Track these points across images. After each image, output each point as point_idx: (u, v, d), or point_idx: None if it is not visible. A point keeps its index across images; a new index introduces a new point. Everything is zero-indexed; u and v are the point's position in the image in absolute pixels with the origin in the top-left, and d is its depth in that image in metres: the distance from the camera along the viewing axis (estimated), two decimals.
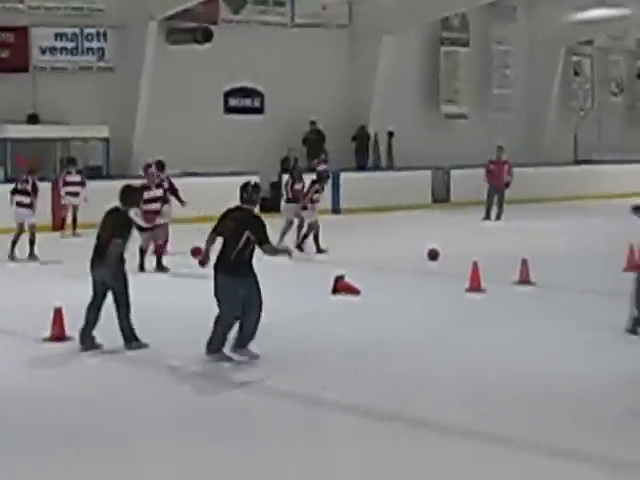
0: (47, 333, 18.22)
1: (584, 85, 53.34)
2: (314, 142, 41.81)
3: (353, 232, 33.95)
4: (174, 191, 28.98)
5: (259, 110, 41.42)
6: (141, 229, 23.67)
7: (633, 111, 55.89)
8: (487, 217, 37.90)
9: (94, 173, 34.05)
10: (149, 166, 28.82)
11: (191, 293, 21.65)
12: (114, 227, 17.17)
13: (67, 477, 11.72)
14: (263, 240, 15.73)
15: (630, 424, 13.76)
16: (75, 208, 31.50)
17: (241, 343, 16.15)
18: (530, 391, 15.00)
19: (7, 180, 34.30)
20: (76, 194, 31.34)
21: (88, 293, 17.67)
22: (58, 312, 18.23)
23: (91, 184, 31.33)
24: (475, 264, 23.69)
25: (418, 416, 14.01)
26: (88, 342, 17.24)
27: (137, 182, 27.62)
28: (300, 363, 17.02)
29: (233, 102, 40.99)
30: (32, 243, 27.99)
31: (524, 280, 24.28)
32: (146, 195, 24.54)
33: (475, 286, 23.42)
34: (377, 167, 43.55)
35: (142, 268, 25.54)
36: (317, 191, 29.26)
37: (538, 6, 47.64)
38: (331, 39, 42.96)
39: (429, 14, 43.97)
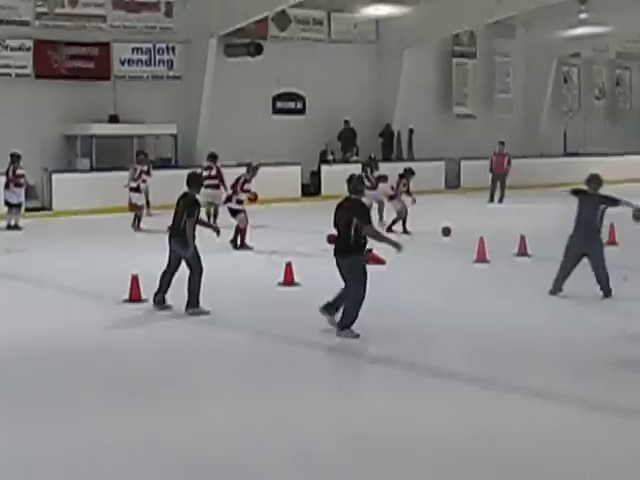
0: (126, 296, 18.34)
1: (572, 91, 53.19)
2: (347, 138, 41.86)
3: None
4: (221, 179, 29.67)
5: (301, 111, 41.38)
6: (236, 212, 25.55)
7: (612, 112, 55.72)
8: (491, 200, 38.00)
9: (165, 163, 34.05)
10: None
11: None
12: (184, 208, 17.23)
13: (140, 410, 11.83)
14: (364, 222, 15.34)
15: (613, 371, 13.78)
16: (147, 193, 31.47)
17: (345, 324, 15.48)
18: (524, 342, 15.07)
19: (92, 169, 34.55)
20: (144, 182, 31.32)
21: (159, 263, 17.71)
22: (135, 278, 18.34)
23: (163, 172, 31.32)
24: (481, 239, 23.80)
25: (430, 364, 14.10)
26: (160, 303, 17.33)
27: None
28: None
29: (280, 105, 40.98)
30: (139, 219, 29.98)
31: (522, 253, 24.36)
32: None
33: (481, 258, 23.56)
34: (400, 158, 43.45)
35: (236, 246, 25.35)
36: (404, 184, 29.38)
37: (534, 25, 47.35)
38: (361, 52, 42.92)
39: (443, 31, 43.86)
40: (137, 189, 30.19)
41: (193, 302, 17.01)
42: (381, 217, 29.74)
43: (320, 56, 41.10)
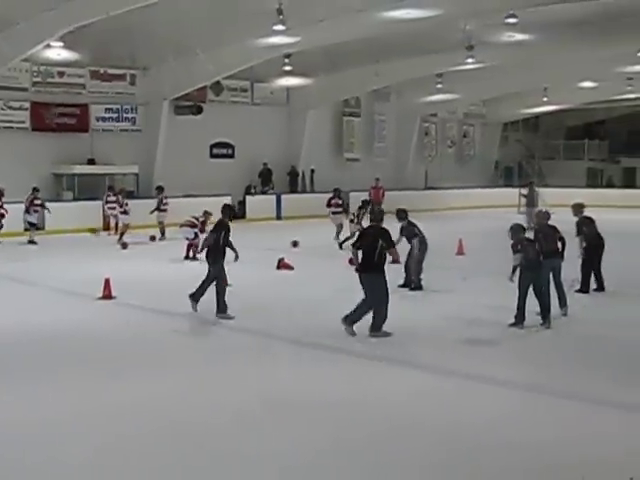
0: (100, 294, 18.25)
1: (431, 141, 53.45)
2: (265, 176, 41.91)
3: (289, 231, 33.96)
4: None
5: (231, 156, 41.28)
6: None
7: (461, 157, 56.14)
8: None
9: (130, 194, 33.77)
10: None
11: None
12: (214, 229, 16.76)
13: (109, 380, 11.80)
14: (390, 245, 14.99)
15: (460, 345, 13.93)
16: (114, 217, 31.47)
17: (377, 326, 14.77)
18: (398, 324, 15.14)
19: (74, 199, 34.44)
20: (113, 208, 31.34)
21: (127, 268, 17.61)
22: (107, 281, 18.29)
23: (129, 201, 31.09)
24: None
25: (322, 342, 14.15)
26: (193, 303, 16.51)
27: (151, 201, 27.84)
28: (259, 310, 17.13)
29: (215, 151, 40.85)
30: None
31: (394, 260, 24.50)
32: None
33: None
34: (304, 191, 43.55)
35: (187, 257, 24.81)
36: (363, 212, 27.91)
37: (403, 92, 47.71)
38: (276, 112, 42.92)
39: (336, 97, 44.24)
40: (124, 212, 30.25)
41: (222, 308, 16.21)
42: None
43: (245, 115, 41.11)
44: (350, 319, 14.73)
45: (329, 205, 30.14)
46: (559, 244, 16.64)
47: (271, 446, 9.29)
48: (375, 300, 14.71)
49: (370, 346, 14.11)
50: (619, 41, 33.57)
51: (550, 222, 16.91)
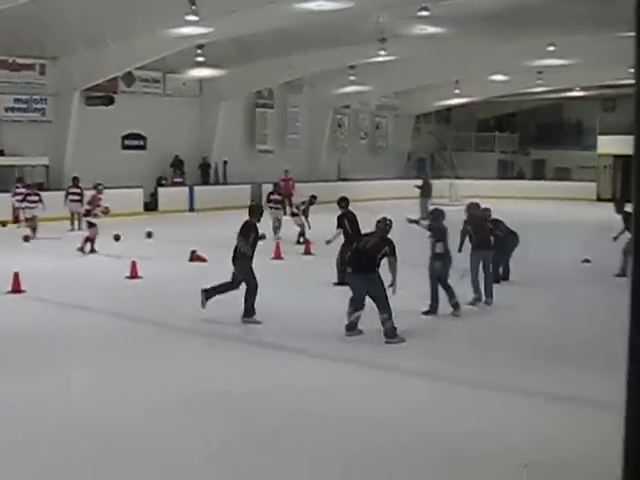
0: (9, 288, 17.98)
1: (344, 133, 53.71)
2: (177, 167, 41.66)
3: (202, 223, 33.88)
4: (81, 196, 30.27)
5: (143, 147, 40.92)
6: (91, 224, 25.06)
7: (373, 149, 56.54)
8: (284, 213, 37.96)
9: (39, 187, 33.26)
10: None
11: None
12: (241, 232, 16.11)
13: (18, 375, 11.61)
14: (394, 255, 14.15)
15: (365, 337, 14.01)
16: (22, 209, 30.85)
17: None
18: (308, 314, 15.19)
19: None
20: (22, 201, 30.64)
21: (36, 262, 17.34)
22: (16, 275, 18.02)
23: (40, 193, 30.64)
24: (278, 242, 24.01)
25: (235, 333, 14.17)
26: (203, 300, 15.84)
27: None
28: (170, 302, 17.06)
29: (127, 142, 40.43)
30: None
31: (307, 251, 24.67)
32: None
33: (277, 256, 23.64)
34: (217, 183, 43.43)
35: (82, 250, 24.39)
36: (308, 207, 27.96)
37: (316, 84, 47.84)
38: (188, 104, 42.72)
39: (249, 88, 44.17)
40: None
41: (249, 312, 15.47)
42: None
43: (158, 106, 40.80)
44: (392, 334, 13.99)
45: (268, 200, 29.75)
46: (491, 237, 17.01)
47: (182, 440, 9.22)
48: (385, 301, 14.09)
49: (279, 337, 14.13)
50: (529, 35, 34.04)
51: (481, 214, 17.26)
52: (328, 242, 19.13)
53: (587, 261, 23.08)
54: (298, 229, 27.43)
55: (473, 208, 17.43)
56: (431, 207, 19.86)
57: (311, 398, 10.85)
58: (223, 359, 12.89)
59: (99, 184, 26.49)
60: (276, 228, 28.54)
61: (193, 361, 12.78)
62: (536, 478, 8.33)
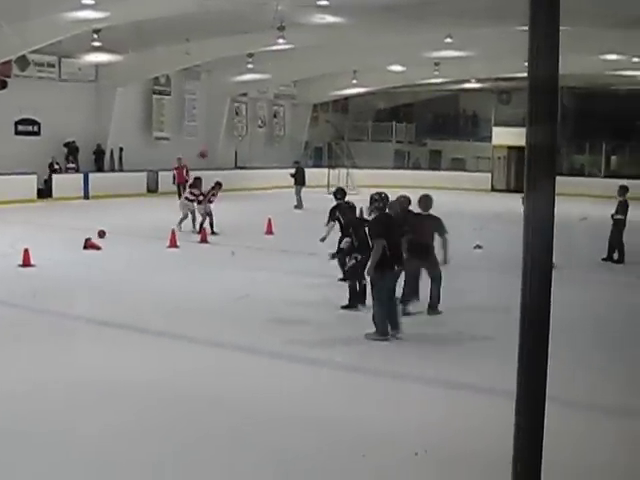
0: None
1: (242, 121, 53.55)
2: (73, 153, 41.05)
3: (97, 210, 33.51)
4: None
5: (37, 133, 40.17)
6: None
7: (271, 137, 56.48)
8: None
9: None
10: None
11: None
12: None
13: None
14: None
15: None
16: None
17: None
18: (198, 304, 15.19)
19: None
20: None
21: None
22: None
23: None
24: (173, 230, 23.93)
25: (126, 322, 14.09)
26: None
27: None
28: (63, 290, 16.87)
29: (20, 128, 39.58)
30: None
31: (203, 240, 24.61)
32: None
33: (173, 244, 23.55)
34: (112, 170, 42.97)
35: None
36: (213, 194, 27.32)
37: (214, 71, 47.61)
38: (84, 89, 42.03)
39: (146, 75, 43.69)
40: None
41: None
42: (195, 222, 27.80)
43: (52, 91, 40.01)
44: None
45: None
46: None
47: (80, 431, 9.16)
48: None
49: (174, 325, 14.11)
50: (427, 27, 34.31)
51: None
52: (323, 239, 17.89)
53: (479, 247, 23.74)
54: (200, 218, 27.11)
55: (403, 202, 17.25)
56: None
57: (206, 387, 10.89)
58: (115, 348, 12.78)
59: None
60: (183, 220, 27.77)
61: (82, 350, 12.66)
62: (428, 466, 8.45)
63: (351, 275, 15.60)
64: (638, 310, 16.28)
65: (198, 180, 28.19)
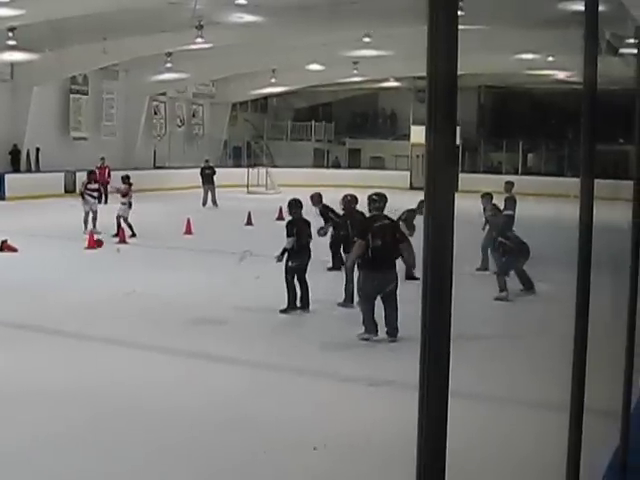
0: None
1: (160, 120, 53.32)
2: None
3: (13, 212, 33.11)
4: None
5: None
6: None
7: (190, 137, 56.26)
8: (99, 202, 37.20)
9: None
10: None
11: None
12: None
13: None
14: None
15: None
16: None
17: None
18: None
19: None
20: None
21: None
22: None
23: None
24: (91, 231, 23.69)
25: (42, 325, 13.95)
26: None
27: None
28: None
29: None
30: None
31: (122, 240, 24.38)
32: None
33: (91, 245, 23.34)
34: (29, 170, 42.47)
35: None
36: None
37: (132, 70, 47.36)
38: None
39: (63, 73, 43.17)
40: None
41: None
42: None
43: None
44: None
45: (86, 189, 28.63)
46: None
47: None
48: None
49: (90, 327, 14.04)
50: (346, 26, 34.51)
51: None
52: (324, 233, 18.06)
53: None
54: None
55: (350, 201, 17.27)
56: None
57: (123, 390, 10.83)
58: (29, 352, 12.63)
59: None
60: (90, 220, 27.42)
61: (5, 354, 12.51)
62: (328, 460, 8.59)
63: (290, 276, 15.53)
64: None
65: (93, 173, 29.31)
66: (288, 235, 15.33)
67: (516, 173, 53.19)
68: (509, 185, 23.12)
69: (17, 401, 10.21)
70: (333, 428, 9.38)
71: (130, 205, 26.19)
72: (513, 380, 11.37)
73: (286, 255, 15.42)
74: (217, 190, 38.49)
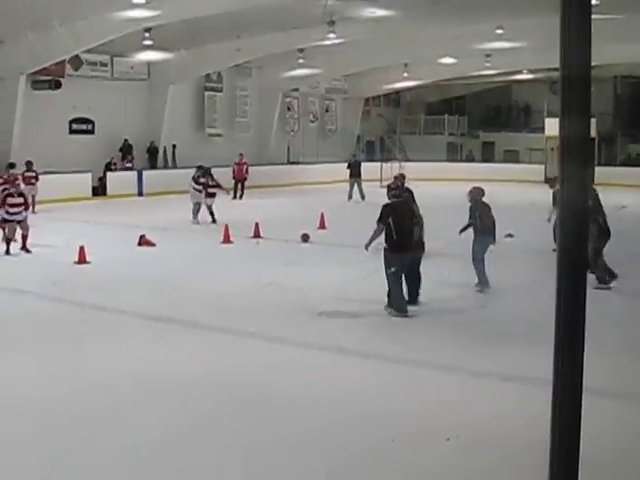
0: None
1: (293, 116, 53.71)
2: (126, 152, 41.37)
3: (151, 208, 33.75)
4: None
5: (92, 132, 40.53)
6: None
7: (323, 132, 56.51)
8: (234, 197, 37.88)
9: None
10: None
11: None
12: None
13: None
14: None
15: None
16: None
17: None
18: (245, 299, 15.27)
19: None
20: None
21: None
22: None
23: None
24: (226, 226, 23.95)
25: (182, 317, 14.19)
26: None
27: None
28: (120, 284, 17.02)
29: (75, 127, 40.01)
30: None
31: (257, 235, 24.62)
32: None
33: (227, 239, 23.62)
34: (165, 167, 43.29)
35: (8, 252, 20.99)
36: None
37: (265, 67, 47.81)
38: (136, 87, 42.39)
39: (198, 72, 43.88)
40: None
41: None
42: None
43: (105, 90, 40.37)
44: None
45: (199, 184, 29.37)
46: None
47: (134, 424, 9.29)
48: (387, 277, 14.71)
49: (226, 320, 14.18)
50: (478, 18, 34.19)
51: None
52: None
53: (510, 235, 23.53)
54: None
55: (476, 193, 17.26)
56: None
57: (253, 380, 10.96)
58: (170, 343, 12.87)
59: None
60: (197, 212, 28.78)
61: (141, 345, 12.76)
62: (459, 452, 8.51)
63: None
64: None
65: (201, 168, 30.36)
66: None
67: None
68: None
69: (169, 390, 10.44)
70: (465, 421, 9.30)
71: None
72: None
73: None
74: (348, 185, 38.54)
